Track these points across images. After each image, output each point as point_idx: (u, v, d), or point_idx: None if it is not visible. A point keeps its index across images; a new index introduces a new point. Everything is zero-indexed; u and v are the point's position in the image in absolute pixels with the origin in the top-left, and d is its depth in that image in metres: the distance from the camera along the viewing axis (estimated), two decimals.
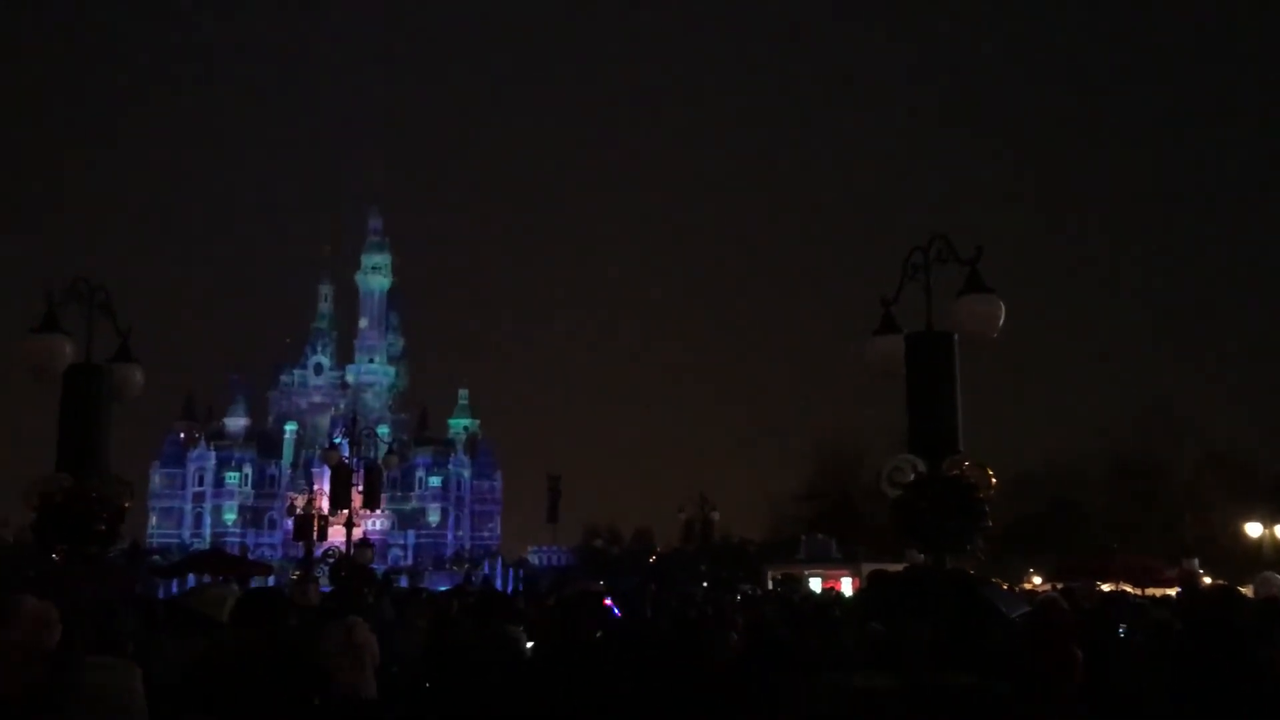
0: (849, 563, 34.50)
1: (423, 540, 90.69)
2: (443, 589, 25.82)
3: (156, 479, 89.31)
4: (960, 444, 6.83)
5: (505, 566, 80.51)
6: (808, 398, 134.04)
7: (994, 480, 6.74)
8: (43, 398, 8.24)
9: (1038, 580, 39.22)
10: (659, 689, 6.07)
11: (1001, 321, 7.06)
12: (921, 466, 6.76)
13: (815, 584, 28.13)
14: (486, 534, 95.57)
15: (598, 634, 9.54)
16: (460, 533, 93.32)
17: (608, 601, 8.72)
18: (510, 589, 47.31)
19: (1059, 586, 17.83)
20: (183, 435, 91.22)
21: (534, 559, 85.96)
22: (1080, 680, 7.01)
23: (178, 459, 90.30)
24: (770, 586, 28.89)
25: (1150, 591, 20.96)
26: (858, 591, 23.77)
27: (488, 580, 49.79)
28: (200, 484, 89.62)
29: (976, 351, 7.12)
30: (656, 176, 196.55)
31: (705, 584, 31.53)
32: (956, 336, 7.04)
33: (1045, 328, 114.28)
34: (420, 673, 9.89)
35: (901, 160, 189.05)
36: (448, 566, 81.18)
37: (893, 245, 7.48)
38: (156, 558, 58.99)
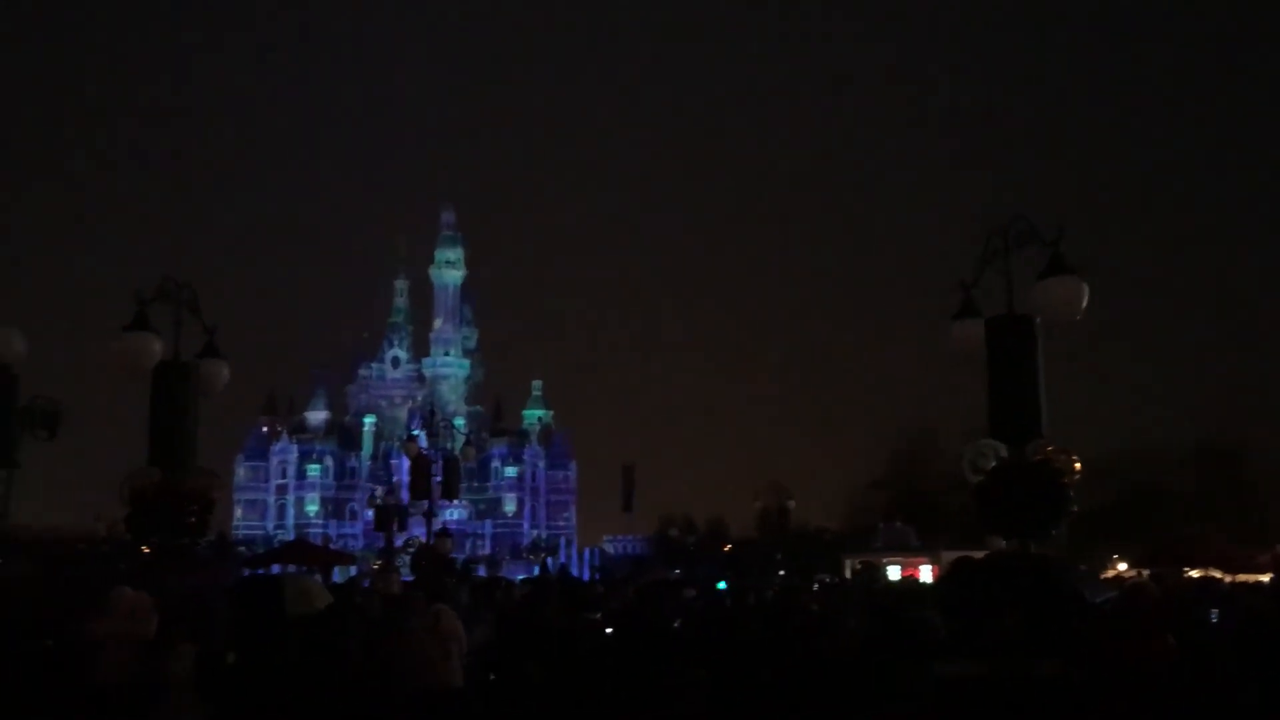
0: (928, 550, 34.05)
1: (500, 530, 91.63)
2: (520, 578, 26.09)
3: (241, 472, 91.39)
4: (1043, 428, 6.71)
5: (581, 556, 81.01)
6: (884, 384, 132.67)
7: (1078, 465, 6.62)
8: (134, 394, 8.49)
9: (1122, 567, 38.39)
10: (750, 677, 6.01)
11: (1085, 303, 6.91)
12: (1004, 452, 6.67)
13: (894, 572, 27.87)
14: (562, 523, 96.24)
15: (675, 623, 9.57)
16: (536, 522, 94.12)
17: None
18: (586, 578, 47.60)
19: (1145, 573, 17.44)
20: (266, 429, 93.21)
21: (609, 548, 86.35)
22: (1171, 668, 6.85)
23: (261, 452, 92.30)
24: (848, 575, 28.68)
25: (1241, 578, 20.38)
26: (939, 579, 23.47)
27: (565, 569, 50.11)
28: (283, 476, 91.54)
29: (1059, 333, 6.99)
30: (727, 163, 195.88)
31: (781, 573, 31.43)
32: (1038, 319, 6.92)
33: (1129, 308, 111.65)
34: (497, 660, 9.87)
35: (982, 137, 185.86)
36: (525, 556, 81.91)
37: (974, 226, 7.34)
38: (242, 549, 60.41)
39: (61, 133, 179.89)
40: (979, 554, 10.43)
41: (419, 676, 8.52)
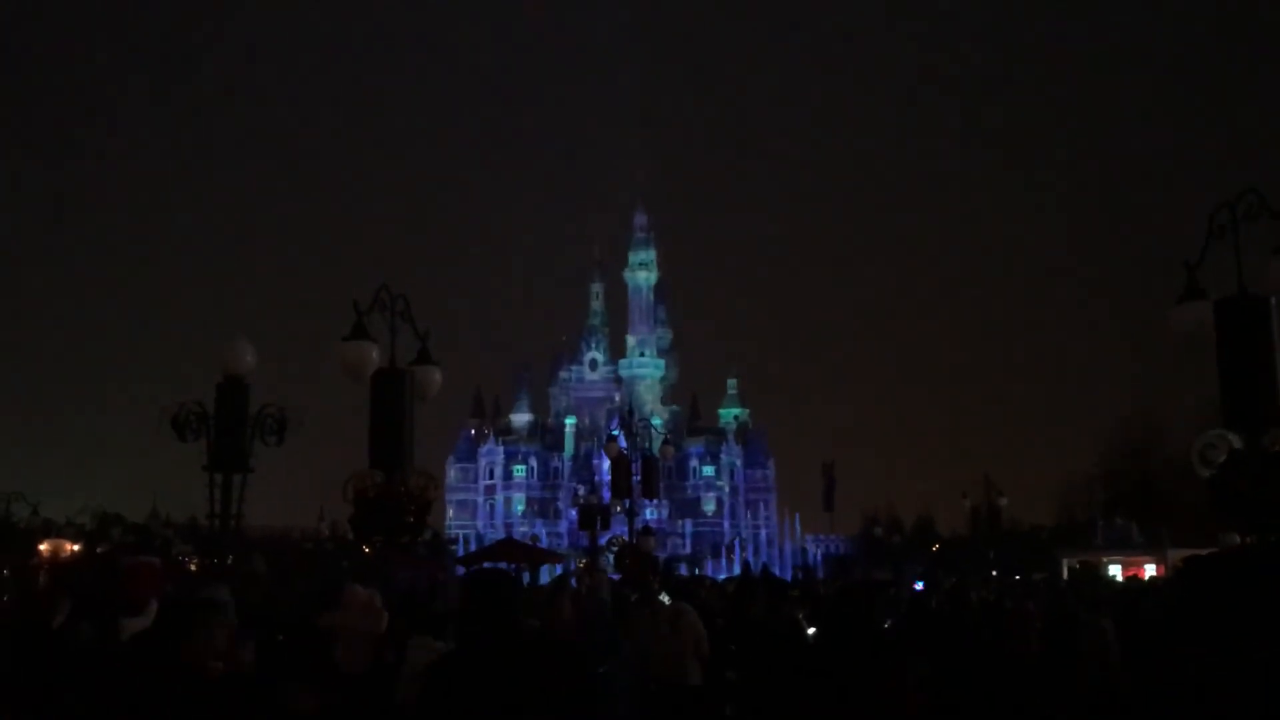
0: (1152, 548, 32.20)
1: (700, 529, 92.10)
2: (722, 577, 26.13)
3: (452, 473, 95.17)
4: None
5: (782, 555, 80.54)
6: (1099, 373, 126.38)
7: None
8: (356, 400, 8.95)
9: None
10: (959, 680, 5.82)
11: None
12: (1238, 442, 6.25)
13: (1115, 571, 26.51)
14: (762, 522, 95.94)
15: (886, 623, 9.35)
16: (735, 521, 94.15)
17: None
18: (789, 577, 47.28)
19: None
20: (473, 431, 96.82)
21: (811, 547, 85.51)
22: None
23: (470, 454, 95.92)
24: (1066, 575, 27.44)
25: None
26: (1170, 579, 22.15)
27: (766, 568, 49.92)
28: (490, 477, 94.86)
29: None
30: (927, 156, 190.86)
31: (995, 572, 30.36)
32: (1274, 300, 6.44)
33: None
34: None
35: (1204, 112, 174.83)
36: (725, 555, 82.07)
37: (1199, 203, 6.87)
38: (455, 547, 62.96)
39: (284, 148, 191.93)
40: (1207, 552, 9.79)
41: (661, 671, 8.55)
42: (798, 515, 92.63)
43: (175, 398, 8.77)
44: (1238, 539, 6.72)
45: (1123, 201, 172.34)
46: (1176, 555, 16.89)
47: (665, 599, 11.27)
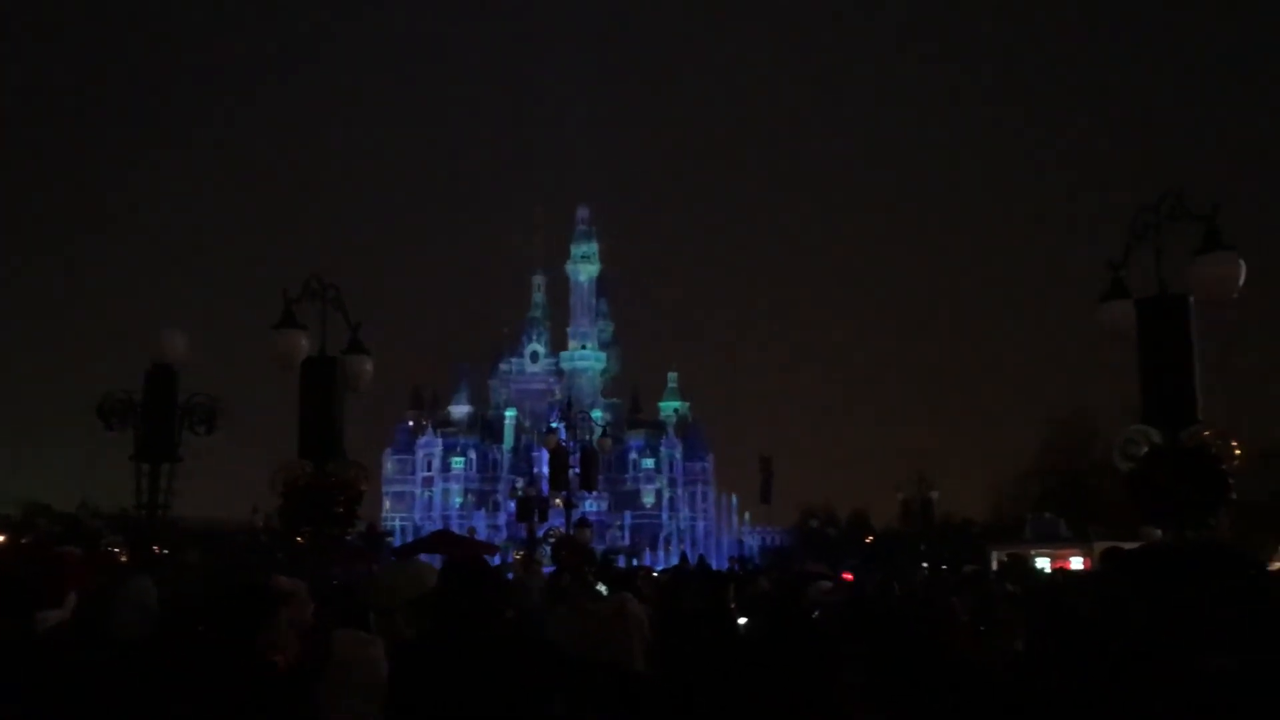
0: (1079, 542, 32.93)
1: (639, 521, 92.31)
2: (659, 569, 26.19)
3: (389, 465, 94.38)
4: (1199, 413, 6.40)
5: (719, 547, 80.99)
6: (1029, 371, 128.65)
7: (1239, 451, 6.30)
8: (287, 389, 8.84)
9: None
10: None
11: (1242, 281, 6.57)
12: (1157, 438, 6.40)
13: (1043, 564, 27.04)
14: (700, 514, 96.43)
15: (814, 614, 9.43)
16: (674, 513, 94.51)
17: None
18: (726, 569, 47.51)
19: None
20: (411, 423, 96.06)
21: (748, 539, 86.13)
22: None
23: (408, 445, 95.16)
24: (995, 568, 27.92)
25: None
26: (1093, 570, 22.66)
27: (703, 559, 50.17)
28: (428, 469, 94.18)
29: (1216, 314, 6.66)
30: (863, 153, 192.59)
31: (925, 565, 30.82)
32: (1192, 299, 6.60)
33: None
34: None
35: (1130, 114, 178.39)
36: (663, 547, 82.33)
37: (1122, 205, 7.04)
38: (391, 539, 62.45)
39: (216, 134, 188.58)
40: (1129, 545, 10.02)
41: (604, 654, 8.68)
42: (735, 504, 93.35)
43: (104, 386, 8.62)
44: (1158, 533, 6.87)
45: (1058, 198, 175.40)
46: (1100, 547, 17.31)
47: (603, 589, 11.33)
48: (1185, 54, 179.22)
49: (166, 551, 13.01)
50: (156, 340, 8.65)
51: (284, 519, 8.54)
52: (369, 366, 9.09)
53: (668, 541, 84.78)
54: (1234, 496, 6.22)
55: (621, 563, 45.00)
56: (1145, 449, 6.51)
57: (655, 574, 17.50)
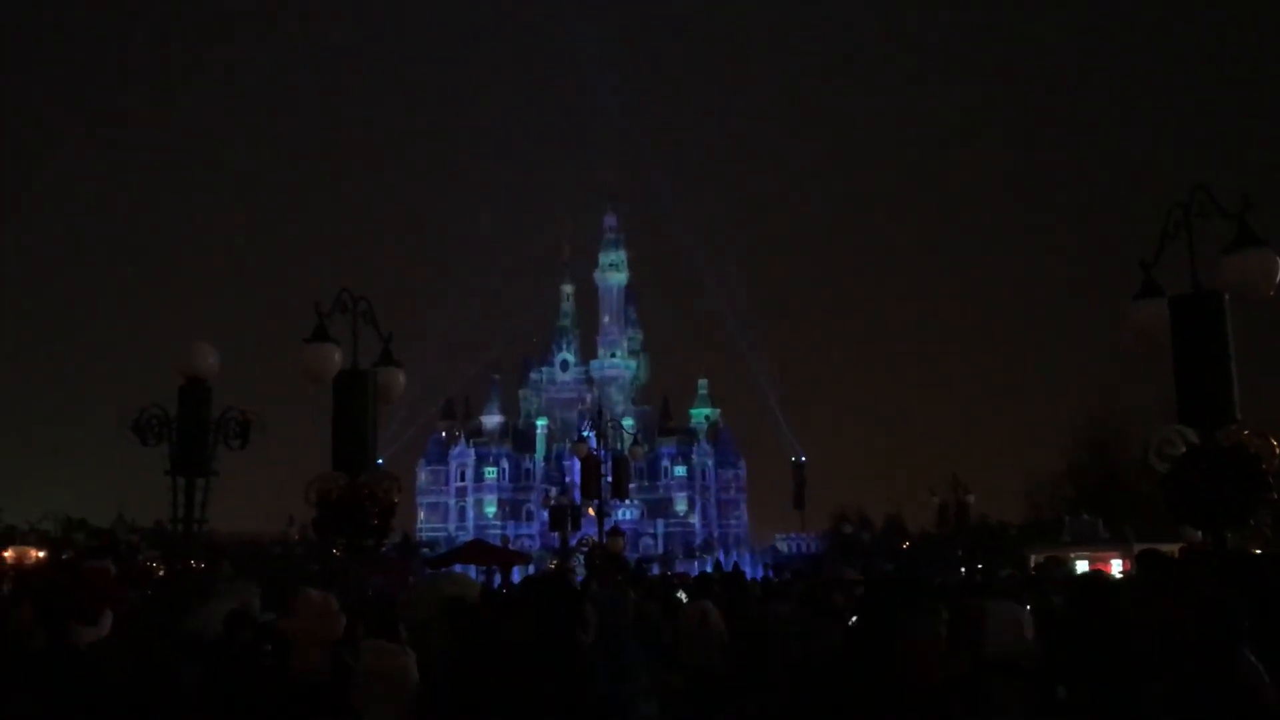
0: (1118, 543, 32.54)
1: (671, 529, 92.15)
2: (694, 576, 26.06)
3: (423, 476, 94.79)
4: (1237, 412, 6.31)
5: (753, 554, 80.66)
6: (1065, 371, 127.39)
7: (1279, 450, 6.20)
8: (318, 402, 8.90)
9: None
10: None
11: (1279, 276, 6.47)
12: (1194, 437, 6.31)
13: (1081, 566, 26.73)
14: (733, 521, 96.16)
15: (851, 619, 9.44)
16: (707, 521, 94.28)
17: None
18: (760, 576, 47.30)
19: None
20: (444, 434, 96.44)
21: (782, 546, 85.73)
22: None
23: (441, 456, 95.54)
24: (1032, 570, 27.65)
25: None
26: (1126, 574, 22.37)
27: (737, 567, 49.99)
28: (462, 479, 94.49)
29: (1252, 310, 6.56)
30: (898, 158, 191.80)
31: (962, 569, 30.53)
32: (1227, 296, 6.51)
33: None
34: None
35: (1161, 112, 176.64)
36: (697, 554, 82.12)
37: (1154, 203, 6.96)
38: (426, 550, 62.62)
39: (245, 152, 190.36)
40: (1167, 547, 9.90)
41: (692, 657, 9.83)
42: (770, 515, 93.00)
43: (139, 401, 8.70)
44: (1198, 535, 6.78)
45: (1090, 198, 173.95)
46: (1139, 549, 17.10)
47: (683, 596, 12.66)
48: (1212, 50, 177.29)
49: (202, 565, 13.13)
50: (188, 355, 8.73)
51: (319, 531, 8.59)
52: (401, 379, 9.14)
53: (702, 550, 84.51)
54: (1274, 496, 6.13)
55: (655, 571, 44.90)
56: (1182, 449, 6.42)
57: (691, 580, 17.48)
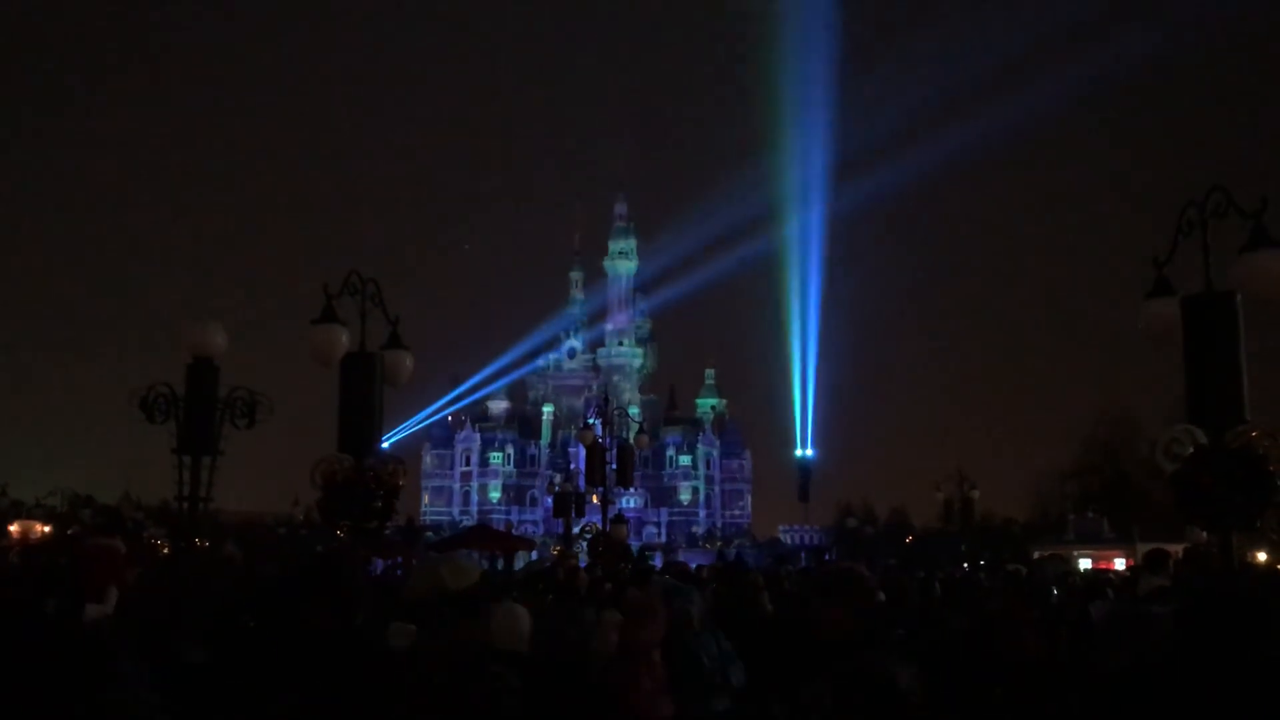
0: (1122, 542, 32.58)
1: (675, 518, 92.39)
2: (694, 565, 26.13)
3: (428, 459, 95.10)
4: (1246, 412, 6.29)
5: (756, 545, 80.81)
6: (1072, 369, 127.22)
7: None
8: (324, 383, 8.90)
9: None
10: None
11: None
12: (1202, 438, 6.29)
13: (1085, 564, 26.76)
14: (737, 512, 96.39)
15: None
16: (711, 511, 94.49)
17: None
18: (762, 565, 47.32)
19: None
20: (450, 418, 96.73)
21: (785, 538, 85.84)
22: None
23: (446, 440, 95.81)
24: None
25: None
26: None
27: (740, 558, 50.07)
28: (467, 464, 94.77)
29: (1263, 311, 6.54)
30: (900, 147, 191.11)
31: (965, 564, 30.55)
32: (1240, 297, 6.48)
33: None
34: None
35: (1174, 110, 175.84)
36: (700, 544, 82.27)
37: (1168, 201, 6.92)
38: (430, 534, 62.85)
39: (254, 131, 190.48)
40: (1174, 547, 9.89)
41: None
42: (774, 507, 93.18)
43: (146, 379, 8.72)
44: (1203, 535, 6.76)
45: (1098, 196, 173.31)
46: (1144, 548, 17.07)
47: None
48: (1227, 46, 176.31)
49: (207, 544, 13.16)
50: (197, 333, 8.74)
51: (323, 512, 8.61)
52: (409, 362, 9.14)
53: (705, 539, 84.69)
54: None
55: (658, 560, 44.98)
56: (1190, 449, 6.40)
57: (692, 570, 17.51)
